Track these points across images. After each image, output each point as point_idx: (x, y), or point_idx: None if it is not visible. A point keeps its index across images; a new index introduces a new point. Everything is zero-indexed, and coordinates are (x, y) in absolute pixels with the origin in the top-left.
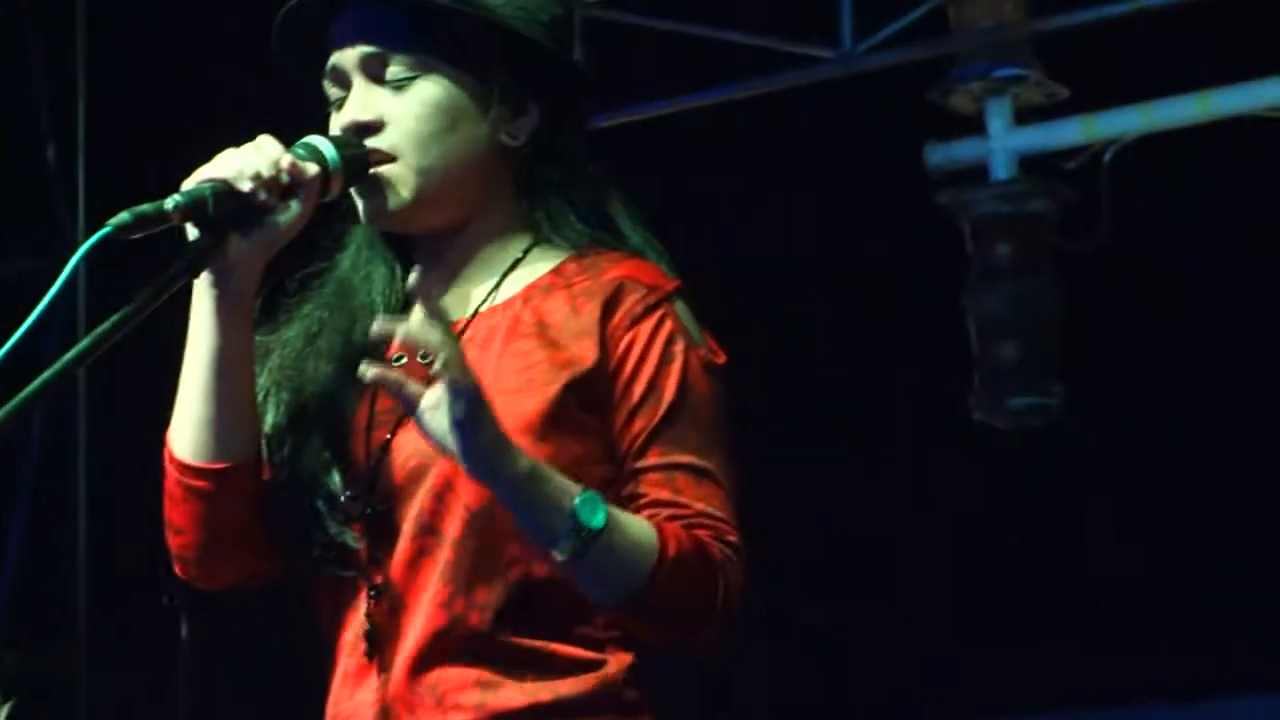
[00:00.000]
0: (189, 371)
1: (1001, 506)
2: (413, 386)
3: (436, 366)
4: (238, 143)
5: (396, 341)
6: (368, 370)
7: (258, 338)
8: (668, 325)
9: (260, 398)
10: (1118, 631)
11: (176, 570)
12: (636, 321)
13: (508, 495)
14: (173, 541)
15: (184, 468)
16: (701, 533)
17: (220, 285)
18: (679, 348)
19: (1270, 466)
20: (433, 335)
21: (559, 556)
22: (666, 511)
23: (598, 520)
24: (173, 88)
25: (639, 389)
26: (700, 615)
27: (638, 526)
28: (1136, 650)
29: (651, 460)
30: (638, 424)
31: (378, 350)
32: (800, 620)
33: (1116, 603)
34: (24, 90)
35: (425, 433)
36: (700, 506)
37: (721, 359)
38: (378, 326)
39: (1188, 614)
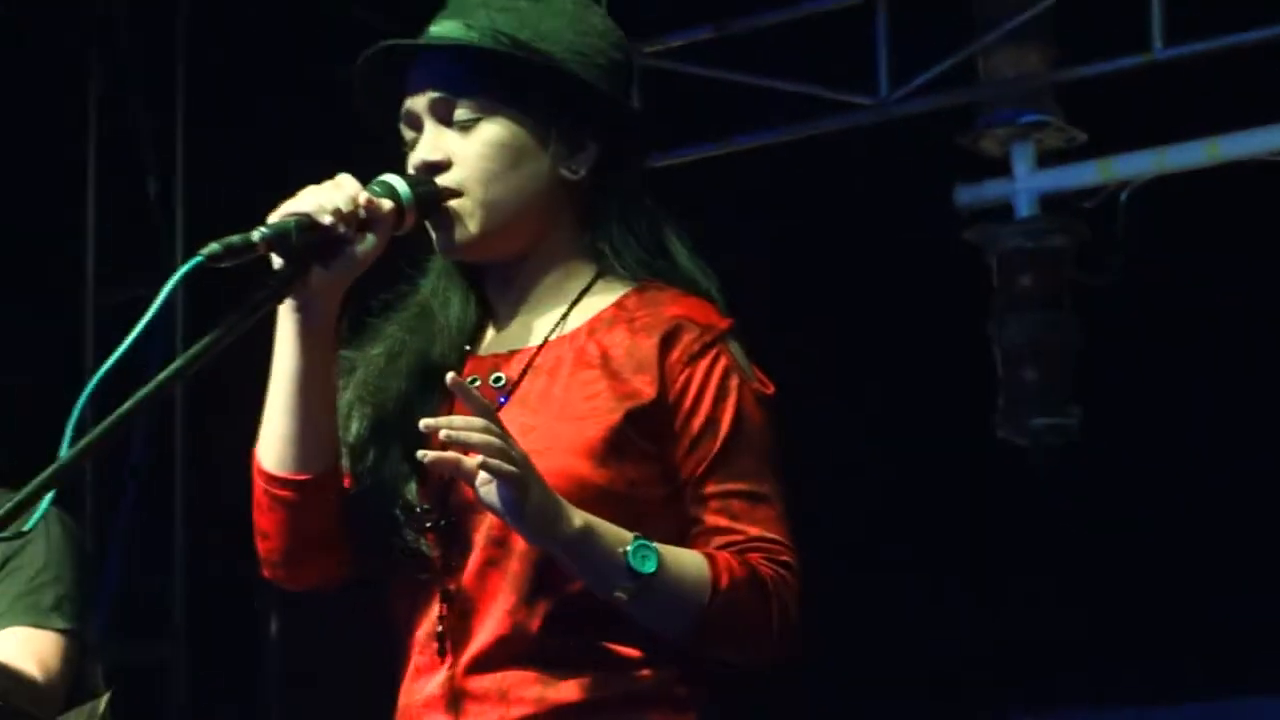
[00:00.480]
0: (274, 390)
1: (1021, 514)
2: (467, 463)
3: (477, 461)
4: (320, 179)
5: (445, 425)
6: (450, 381)
7: (343, 355)
8: (722, 362)
9: (344, 411)
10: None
11: (264, 573)
12: (694, 359)
13: (564, 555)
14: (260, 546)
15: (270, 478)
16: (754, 556)
17: (302, 311)
18: (734, 383)
19: (1270, 485)
20: (474, 432)
21: (619, 598)
22: (721, 539)
23: (649, 566)
24: (266, 129)
25: (698, 422)
26: (759, 636)
27: (691, 562)
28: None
29: (710, 489)
30: (698, 454)
31: (455, 369)
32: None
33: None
34: (129, 129)
35: (484, 504)
36: (755, 531)
37: (770, 390)
38: (425, 423)
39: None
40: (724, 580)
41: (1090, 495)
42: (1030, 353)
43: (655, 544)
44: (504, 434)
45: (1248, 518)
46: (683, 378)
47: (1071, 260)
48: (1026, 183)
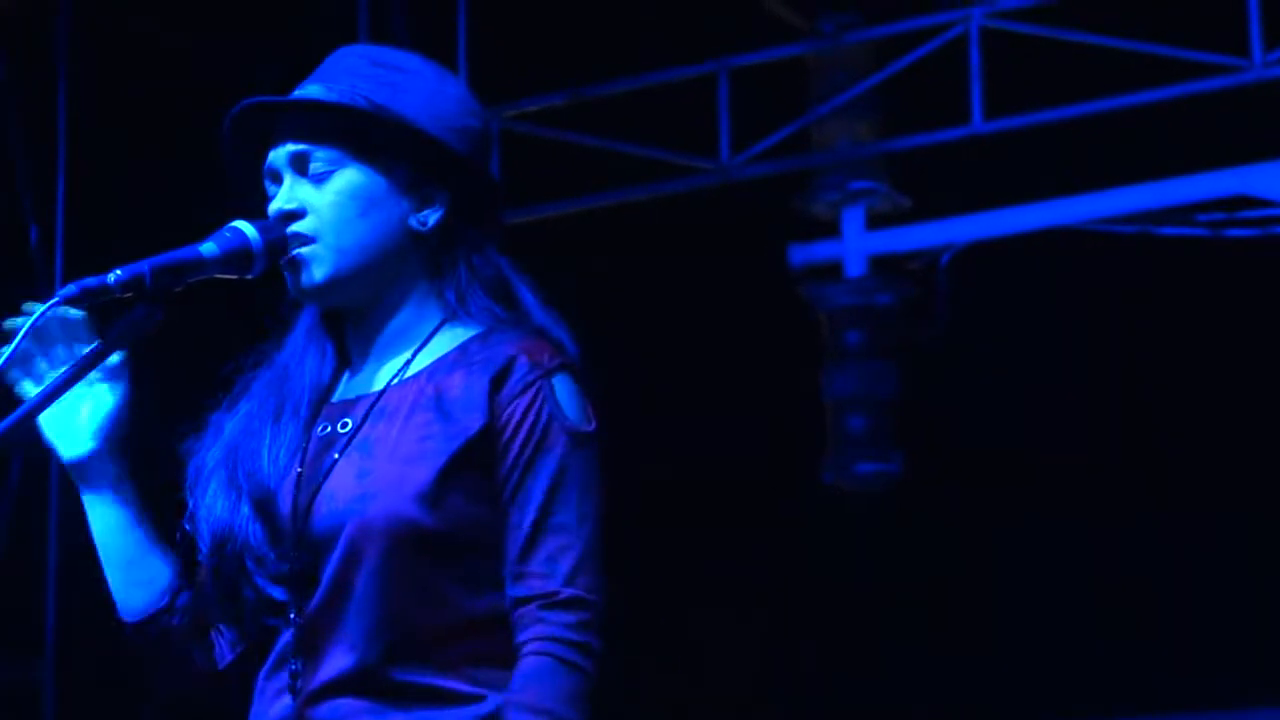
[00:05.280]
0: (100, 556)
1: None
2: None
3: None
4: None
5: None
6: None
7: (210, 416)
8: (542, 398)
9: (207, 470)
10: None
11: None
12: (517, 396)
13: None
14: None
15: (131, 629)
16: (538, 629)
17: (82, 485)
18: (549, 419)
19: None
20: None
21: None
22: (518, 608)
23: None
24: (147, 179)
25: (512, 454)
26: (586, 691)
27: None
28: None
29: (514, 517)
30: (509, 484)
31: (308, 421)
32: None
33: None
34: (9, 181)
35: None
36: (538, 581)
37: (590, 428)
38: None
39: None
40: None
41: (908, 537)
42: (857, 403)
43: None
44: None
45: (1051, 563)
46: (507, 412)
47: (897, 317)
48: (856, 244)
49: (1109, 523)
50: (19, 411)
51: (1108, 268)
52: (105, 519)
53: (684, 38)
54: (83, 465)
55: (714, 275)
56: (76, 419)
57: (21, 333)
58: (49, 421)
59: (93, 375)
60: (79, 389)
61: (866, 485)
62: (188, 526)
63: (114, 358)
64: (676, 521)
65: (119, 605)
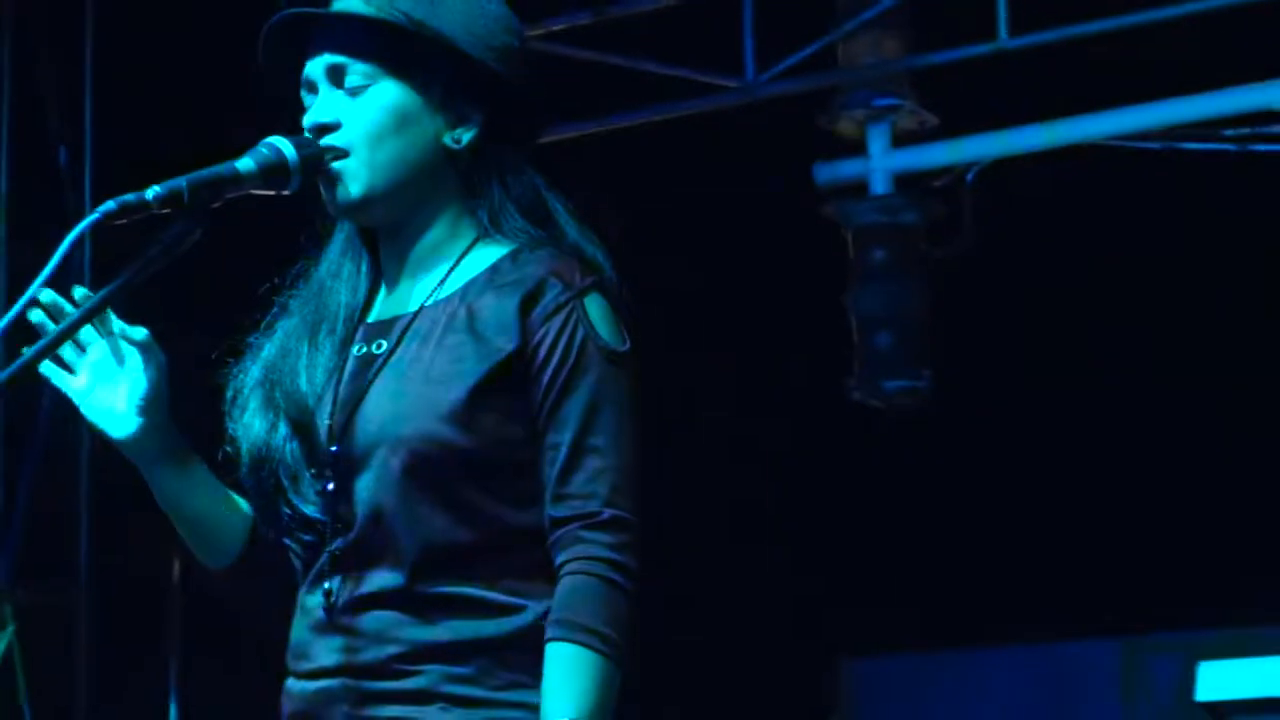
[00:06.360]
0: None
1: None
2: None
3: None
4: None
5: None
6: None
7: (249, 339)
8: (575, 318)
9: (246, 391)
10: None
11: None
12: (550, 316)
13: None
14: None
15: (217, 575)
16: (585, 556)
17: (136, 460)
18: (582, 339)
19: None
20: None
21: None
22: (556, 530)
23: None
24: (175, 92)
25: (546, 375)
26: (632, 606)
27: (579, 675)
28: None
29: (550, 438)
30: (544, 405)
31: (345, 340)
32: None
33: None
34: (38, 103)
35: None
36: (579, 501)
37: (624, 348)
38: None
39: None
40: (598, 646)
41: (938, 453)
42: (884, 321)
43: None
44: None
45: (1077, 476)
46: (539, 333)
47: (923, 235)
48: (881, 162)
49: (1138, 437)
50: (65, 323)
51: (1134, 183)
52: (164, 489)
53: None
54: (132, 443)
55: (740, 193)
56: (115, 401)
57: (63, 248)
58: (90, 407)
59: (128, 355)
60: (113, 372)
61: (895, 402)
62: (229, 449)
63: (140, 333)
64: (700, 444)
65: (198, 558)
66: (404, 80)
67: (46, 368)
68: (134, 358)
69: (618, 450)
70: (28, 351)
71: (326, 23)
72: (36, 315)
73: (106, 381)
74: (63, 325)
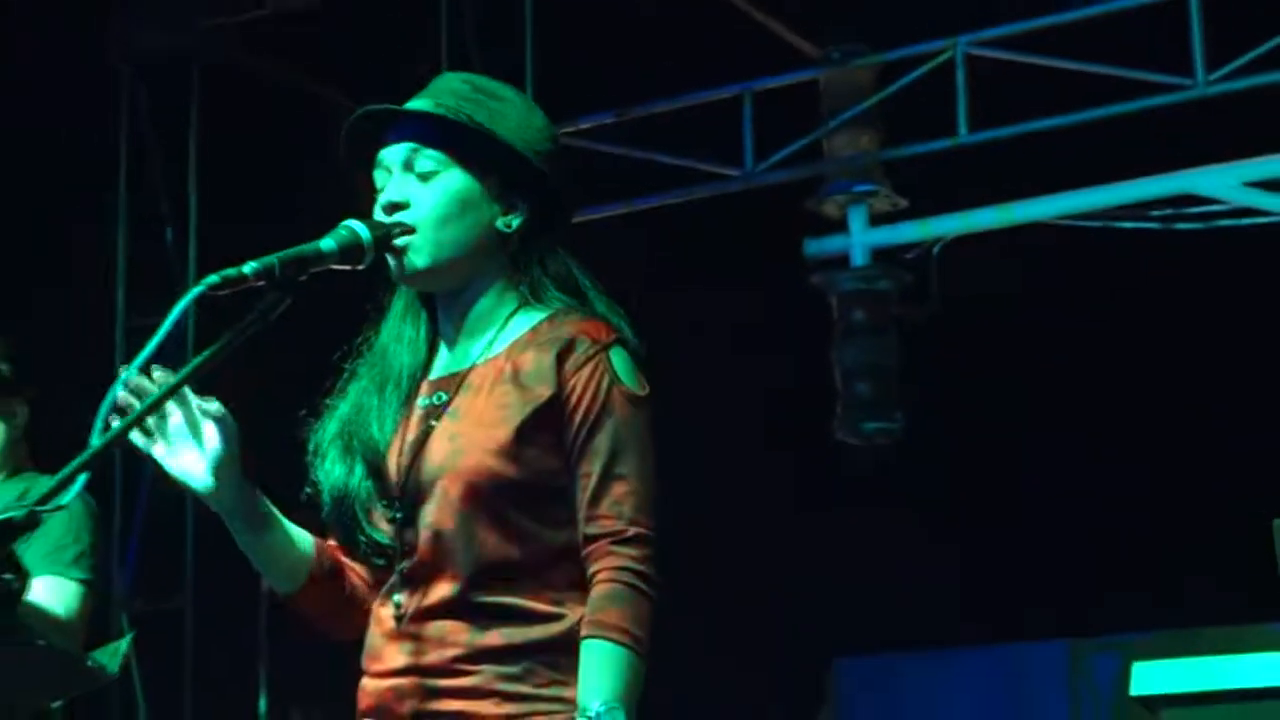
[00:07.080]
0: (250, 554)
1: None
2: None
3: None
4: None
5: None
6: None
7: (325, 400)
8: (602, 368)
9: (325, 444)
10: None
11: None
12: (580, 366)
13: None
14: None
15: (286, 599)
16: (614, 568)
17: (216, 509)
18: (608, 385)
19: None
20: None
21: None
22: (588, 546)
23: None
24: (267, 183)
25: (578, 416)
26: (651, 610)
27: (610, 664)
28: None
29: (582, 468)
30: (576, 441)
31: (409, 394)
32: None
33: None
34: (149, 186)
35: None
36: (608, 521)
37: (644, 393)
38: None
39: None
40: (624, 638)
41: (909, 482)
42: (862, 372)
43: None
44: None
45: (1029, 502)
46: (572, 381)
47: (895, 299)
48: (860, 238)
49: (1078, 470)
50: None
51: (1075, 255)
52: (239, 533)
53: (713, 65)
54: (210, 498)
55: (740, 266)
56: (193, 463)
57: (172, 317)
58: (172, 468)
59: (203, 423)
60: (190, 438)
61: (872, 440)
62: (309, 491)
63: (214, 405)
64: (703, 475)
65: (269, 584)
66: (467, 171)
67: (135, 436)
68: (210, 426)
69: (640, 477)
70: (116, 426)
71: (404, 118)
72: (123, 391)
73: (185, 446)
74: (148, 401)
